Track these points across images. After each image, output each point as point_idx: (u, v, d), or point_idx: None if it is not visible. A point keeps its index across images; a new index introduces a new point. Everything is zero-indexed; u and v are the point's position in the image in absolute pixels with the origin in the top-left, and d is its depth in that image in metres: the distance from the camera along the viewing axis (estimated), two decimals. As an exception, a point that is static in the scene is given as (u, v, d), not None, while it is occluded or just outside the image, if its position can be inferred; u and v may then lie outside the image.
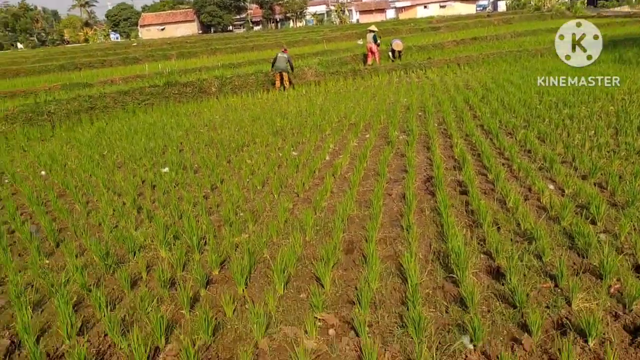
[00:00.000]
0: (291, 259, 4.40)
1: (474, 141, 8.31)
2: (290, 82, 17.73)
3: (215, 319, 3.67)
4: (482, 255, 4.38)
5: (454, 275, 3.97)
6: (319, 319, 3.59)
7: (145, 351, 3.22)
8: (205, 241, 5.23)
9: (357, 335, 3.36)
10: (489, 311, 3.55)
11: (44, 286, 4.44)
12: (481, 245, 4.58)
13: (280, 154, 8.76)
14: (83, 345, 3.28)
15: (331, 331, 3.47)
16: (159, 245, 5.10)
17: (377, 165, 7.35)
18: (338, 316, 3.64)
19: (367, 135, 9.46)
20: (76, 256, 5.02)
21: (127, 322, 3.76)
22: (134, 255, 5.06)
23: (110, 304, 3.94)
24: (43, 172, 8.97)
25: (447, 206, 5.20)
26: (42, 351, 3.30)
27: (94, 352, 3.40)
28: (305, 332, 3.44)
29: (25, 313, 3.81)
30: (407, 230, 4.89)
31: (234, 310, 3.86)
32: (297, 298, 3.99)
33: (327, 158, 8.41)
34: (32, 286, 4.47)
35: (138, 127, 12.44)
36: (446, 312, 3.58)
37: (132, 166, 8.83)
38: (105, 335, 3.62)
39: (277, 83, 17.48)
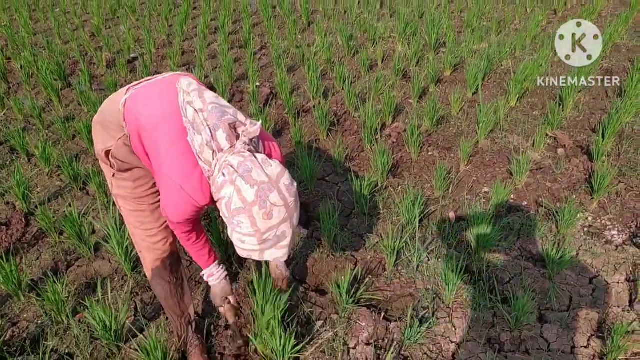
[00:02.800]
0: (533, 74, 4.04)
1: None
2: None
3: (441, 113, 3.75)
4: None
5: None
6: (550, 136, 3.38)
7: (374, 122, 3.54)
8: (443, 42, 5.10)
9: (591, 160, 3.10)
10: None
11: (297, 55, 5.04)
12: None
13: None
14: (325, 105, 3.75)
15: (560, 150, 3.26)
16: (398, 39, 5.17)
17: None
18: (572, 139, 3.37)
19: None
20: (324, 35, 5.45)
21: (361, 97, 4.11)
22: (373, 44, 5.27)
23: (348, 79, 4.31)
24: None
25: None
26: (293, 101, 3.90)
27: (333, 112, 3.88)
28: (532, 145, 3.31)
29: (281, 72, 4.45)
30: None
31: (461, 109, 3.87)
32: (530, 113, 3.77)
33: (606, -25, 6.88)
34: (287, 54, 5.12)
35: None
36: None
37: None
38: (343, 103, 4.05)
39: None
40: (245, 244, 1.31)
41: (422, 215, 2.71)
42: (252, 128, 1.35)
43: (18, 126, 3.76)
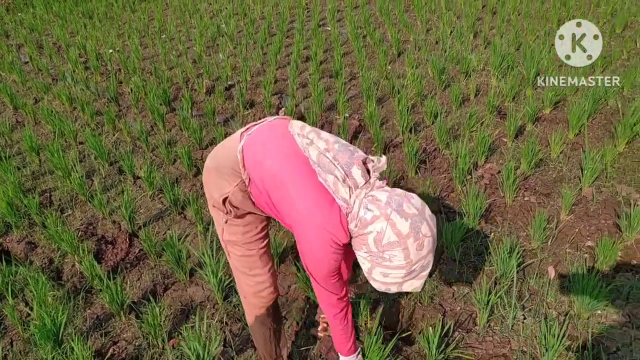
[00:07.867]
0: (646, 117, 3.73)
1: None
2: None
3: (539, 155, 3.55)
4: None
5: None
6: (666, 188, 3.08)
7: (467, 162, 3.42)
8: (544, 78, 4.87)
9: None
10: None
11: (386, 86, 5.04)
12: None
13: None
14: (416, 141, 3.70)
15: (678, 205, 2.96)
16: (492, 72, 5.01)
17: None
18: (693, 193, 3.05)
19: None
20: (415, 67, 5.42)
21: (452, 134, 4.01)
22: (466, 77, 5.15)
23: (439, 114, 4.23)
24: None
25: None
26: (382, 136, 3.88)
27: (422, 149, 3.82)
28: (644, 196, 3.04)
29: (370, 104, 4.46)
30: None
31: (561, 151, 3.65)
32: (641, 160, 3.47)
33: None
34: (377, 85, 5.14)
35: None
36: None
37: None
38: (432, 139, 3.98)
39: None
40: (388, 277, 1.35)
41: (518, 267, 2.57)
42: (380, 163, 1.43)
43: (127, 148, 4.08)
